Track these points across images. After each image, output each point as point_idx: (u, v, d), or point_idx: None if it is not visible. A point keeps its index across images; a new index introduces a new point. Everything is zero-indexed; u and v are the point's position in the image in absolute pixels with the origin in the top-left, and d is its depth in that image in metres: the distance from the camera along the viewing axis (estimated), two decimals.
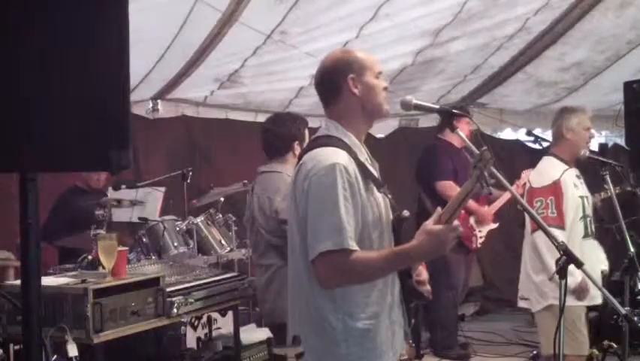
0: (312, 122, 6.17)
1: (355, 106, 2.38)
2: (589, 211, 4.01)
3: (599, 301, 3.94)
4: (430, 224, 2.15)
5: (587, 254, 3.75)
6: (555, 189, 3.87)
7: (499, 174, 2.29)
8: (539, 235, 3.77)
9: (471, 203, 5.67)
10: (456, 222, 2.16)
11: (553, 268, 3.61)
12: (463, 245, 5.69)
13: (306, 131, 3.69)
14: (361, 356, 2.28)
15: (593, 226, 4.03)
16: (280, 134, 3.72)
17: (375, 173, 2.41)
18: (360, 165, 2.31)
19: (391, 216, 2.39)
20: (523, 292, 4.04)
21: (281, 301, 3.52)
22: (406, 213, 2.37)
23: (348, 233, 2.17)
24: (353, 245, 2.18)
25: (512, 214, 5.97)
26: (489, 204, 5.90)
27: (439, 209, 2.19)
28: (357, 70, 2.38)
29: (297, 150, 3.61)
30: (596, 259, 3.98)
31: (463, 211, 5.63)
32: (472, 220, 5.79)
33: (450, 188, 5.47)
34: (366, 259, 2.21)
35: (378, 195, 2.35)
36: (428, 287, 2.45)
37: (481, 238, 5.86)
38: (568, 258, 2.32)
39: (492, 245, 7.59)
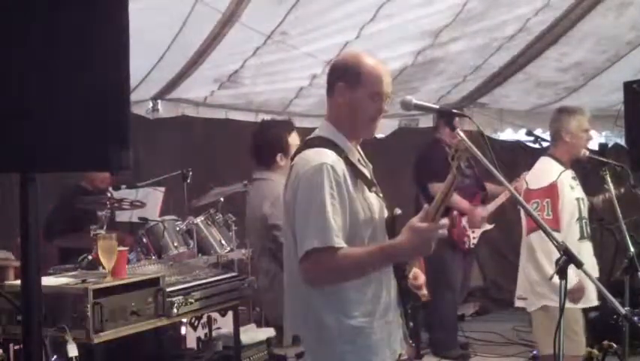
0: (312, 123, 6.21)
1: (341, 113, 2.38)
2: (585, 213, 4.01)
3: (594, 303, 3.93)
4: (415, 221, 2.15)
5: (583, 256, 3.74)
6: (551, 191, 3.87)
7: (493, 168, 2.29)
8: (534, 237, 3.77)
9: (464, 204, 5.66)
10: (443, 221, 2.16)
11: (547, 269, 3.66)
12: (456, 246, 5.68)
13: (290, 137, 3.71)
14: (356, 354, 2.28)
15: (589, 228, 4.03)
16: (263, 144, 3.77)
17: (368, 174, 2.42)
18: (351, 165, 2.31)
19: (385, 216, 2.39)
20: (521, 291, 4.04)
21: (281, 308, 3.53)
22: (398, 211, 2.37)
23: (334, 231, 2.18)
24: (339, 242, 2.19)
25: (513, 213, 5.96)
26: (483, 204, 5.89)
27: (426, 206, 2.19)
28: (351, 80, 2.34)
29: (282, 160, 3.66)
30: (591, 261, 3.98)
31: (455, 212, 5.66)
32: (464, 221, 5.78)
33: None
34: (351, 256, 2.21)
35: (370, 195, 2.35)
36: (425, 291, 2.46)
37: (474, 238, 5.85)
38: (568, 258, 2.31)
39: (492, 245, 7.61)
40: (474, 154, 2.19)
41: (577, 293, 3.73)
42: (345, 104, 2.35)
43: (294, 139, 3.71)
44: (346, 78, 2.35)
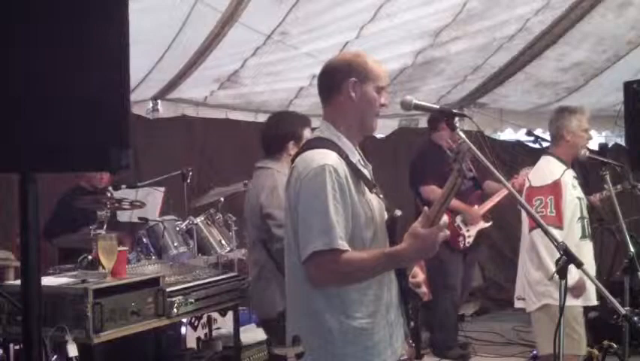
0: (313, 123, 6.19)
1: (348, 110, 2.38)
2: (585, 213, 4.01)
3: (594, 302, 3.93)
4: (417, 226, 2.16)
5: (584, 255, 3.74)
6: (555, 189, 3.86)
7: (493, 168, 2.29)
8: (537, 234, 3.76)
9: (457, 203, 5.65)
10: (444, 220, 2.16)
11: (551, 267, 3.65)
12: (449, 245, 5.65)
13: (306, 131, 3.69)
14: (358, 355, 2.28)
15: (589, 228, 4.03)
16: (275, 133, 3.75)
17: (368, 174, 2.42)
18: (352, 166, 2.32)
19: (386, 217, 2.39)
20: (520, 292, 4.03)
21: (267, 296, 3.55)
22: (398, 212, 2.37)
23: (337, 233, 2.18)
24: (343, 245, 2.19)
25: (513, 213, 5.95)
26: (480, 203, 5.88)
27: (425, 209, 2.19)
28: (361, 76, 2.37)
29: (293, 149, 3.63)
30: (591, 260, 3.98)
31: (448, 211, 5.64)
32: (458, 220, 5.77)
33: (432, 192, 5.45)
34: (355, 260, 2.21)
35: (371, 196, 2.35)
36: (424, 289, 2.46)
37: (469, 237, 5.83)
38: (568, 258, 2.32)
39: (492, 245, 7.61)
40: (475, 155, 2.19)
41: (578, 290, 3.73)
42: (357, 100, 2.36)
43: (308, 133, 3.70)
44: (357, 74, 2.37)
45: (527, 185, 4.03)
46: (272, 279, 3.52)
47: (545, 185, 3.90)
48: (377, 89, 2.38)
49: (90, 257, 4.06)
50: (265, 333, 3.90)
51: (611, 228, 5.55)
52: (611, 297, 2.29)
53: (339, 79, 2.38)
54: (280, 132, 3.73)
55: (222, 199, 5.80)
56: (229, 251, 5.64)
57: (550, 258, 3.68)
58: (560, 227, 3.77)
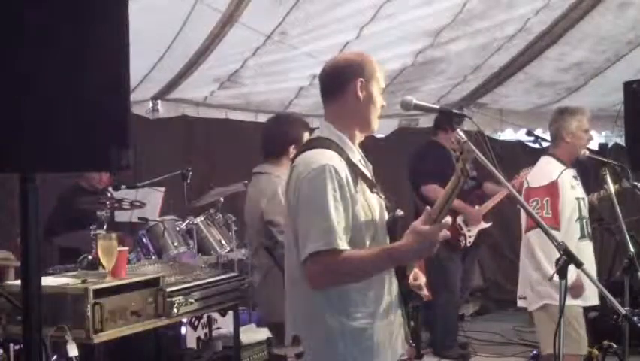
0: (313, 123, 6.19)
1: (353, 110, 2.38)
2: (585, 213, 4.01)
3: (595, 301, 3.94)
4: (418, 224, 2.15)
5: (583, 255, 3.74)
6: (551, 190, 3.87)
7: (494, 169, 2.29)
8: (533, 235, 3.78)
9: (458, 203, 5.64)
10: (446, 220, 2.16)
11: (546, 267, 3.66)
12: (450, 245, 5.65)
13: (306, 134, 3.67)
14: (359, 355, 2.28)
15: (589, 228, 4.03)
16: (277, 135, 3.71)
17: (369, 174, 2.42)
18: (352, 166, 2.31)
19: (386, 217, 2.39)
20: (522, 291, 4.04)
21: (276, 301, 3.54)
22: (399, 212, 2.37)
23: (337, 233, 2.18)
24: (343, 245, 2.19)
25: (513, 213, 5.95)
26: (480, 203, 5.88)
27: (427, 208, 2.19)
28: (367, 76, 2.38)
29: (293, 153, 3.61)
30: (591, 261, 3.97)
31: (450, 211, 5.61)
32: (459, 220, 5.76)
33: (433, 191, 5.44)
34: (355, 258, 2.21)
35: (371, 196, 2.35)
36: (425, 291, 2.45)
37: (470, 237, 5.83)
38: (568, 258, 2.31)
39: (492, 244, 7.61)
40: (477, 156, 2.19)
41: (576, 290, 3.73)
42: (363, 100, 2.37)
43: (307, 137, 3.68)
44: (364, 74, 2.37)
45: (525, 185, 4.03)
46: (278, 283, 3.50)
47: (542, 186, 3.90)
48: (379, 90, 2.40)
49: (90, 257, 4.06)
50: (273, 336, 3.89)
51: (611, 228, 5.54)
52: (611, 297, 2.29)
53: (345, 79, 2.38)
54: (283, 135, 3.67)
55: (222, 199, 5.80)
56: (229, 251, 5.64)
57: (545, 258, 3.70)
58: (556, 228, 3.77)
